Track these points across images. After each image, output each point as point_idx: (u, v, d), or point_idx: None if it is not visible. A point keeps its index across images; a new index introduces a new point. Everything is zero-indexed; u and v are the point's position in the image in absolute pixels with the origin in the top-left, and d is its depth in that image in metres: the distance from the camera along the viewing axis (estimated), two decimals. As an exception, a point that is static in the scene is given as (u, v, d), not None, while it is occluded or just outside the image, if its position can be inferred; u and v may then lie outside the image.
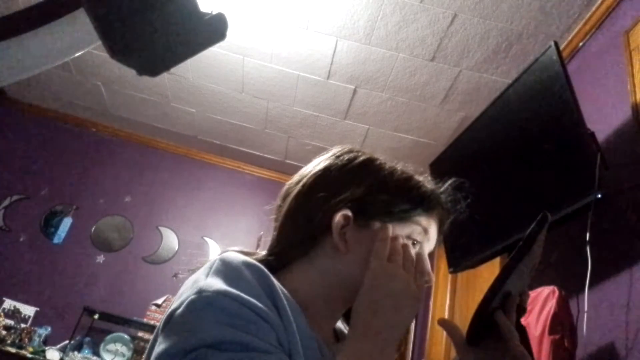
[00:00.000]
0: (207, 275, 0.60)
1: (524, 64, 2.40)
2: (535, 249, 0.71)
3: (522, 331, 0.72)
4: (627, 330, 1.46)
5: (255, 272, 0.61)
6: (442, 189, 0.78)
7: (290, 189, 0.77)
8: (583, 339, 1.48)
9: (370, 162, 0.76)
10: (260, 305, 0.56)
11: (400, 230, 0.71)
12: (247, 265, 0.61)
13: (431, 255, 0.78)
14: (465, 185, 0.80)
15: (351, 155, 0.77)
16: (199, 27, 0.48)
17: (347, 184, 0.73)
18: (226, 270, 0.60)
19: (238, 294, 0.56)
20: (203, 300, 0.55)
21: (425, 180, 0.77)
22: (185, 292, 0.59)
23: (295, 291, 0.66)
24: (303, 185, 0.75)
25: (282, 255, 0.73)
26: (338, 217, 0.71)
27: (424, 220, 0.73)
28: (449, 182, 0.79)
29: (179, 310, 0.56)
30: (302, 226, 0.73)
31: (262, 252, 0.76)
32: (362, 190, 0.73)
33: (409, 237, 0.72)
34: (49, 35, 0.56)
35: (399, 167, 0.77)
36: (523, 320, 1.63)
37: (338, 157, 0.77)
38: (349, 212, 0.71)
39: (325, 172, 0.75)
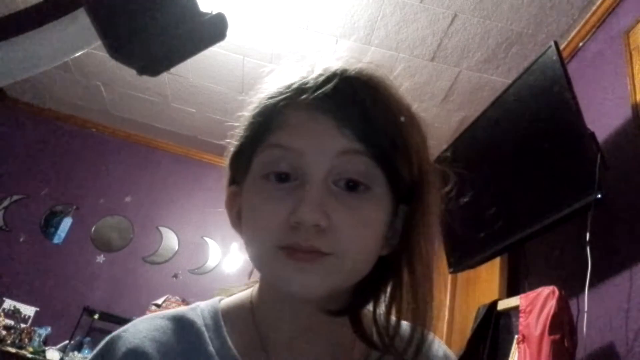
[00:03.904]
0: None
1: (524, 64, 2.40)
2: None
3: None
4: (627, 330, 1.46)
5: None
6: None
7: None
8: (583, 339, 1.48)
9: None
10: None
11: (251, 179, 0.51)
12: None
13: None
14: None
15: None
16: (199, 26, 0.48)
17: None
18: None
19: None
20: None
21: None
22: None
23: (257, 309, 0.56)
24: None
25: None
26: (226, 200, 0.57)
27: (273, 137, 0.49)
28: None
29: None
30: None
31: None
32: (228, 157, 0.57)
33: (265, 177, 0.49)
34: (48, 35, 0.56)
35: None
36: (523, 321, 1.64)
37: None
38: (233, 188, 0.56)
39: None
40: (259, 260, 0.49)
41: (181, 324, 0.54)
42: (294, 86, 0.50)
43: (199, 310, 0.57)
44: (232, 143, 0.56)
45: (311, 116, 0.48)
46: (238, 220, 0.54)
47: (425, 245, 0.50)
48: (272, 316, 0.54)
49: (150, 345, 0.52)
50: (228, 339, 0.53)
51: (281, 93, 0.50)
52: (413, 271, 0.50)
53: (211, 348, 0.52)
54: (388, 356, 0.51)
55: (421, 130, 0.52)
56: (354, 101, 0.48)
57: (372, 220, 0.48)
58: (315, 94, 0.48)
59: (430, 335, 0.52)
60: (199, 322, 0.55)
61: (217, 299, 0.59)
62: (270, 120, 0.50)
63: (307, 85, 0.48)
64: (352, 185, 0.47)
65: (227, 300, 0.59)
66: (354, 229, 0.47)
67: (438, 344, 0.58)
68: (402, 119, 0.50)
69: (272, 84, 0.52)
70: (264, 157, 0.49)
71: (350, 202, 0.47)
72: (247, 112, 0.54)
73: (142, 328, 0.54)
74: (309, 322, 0.53)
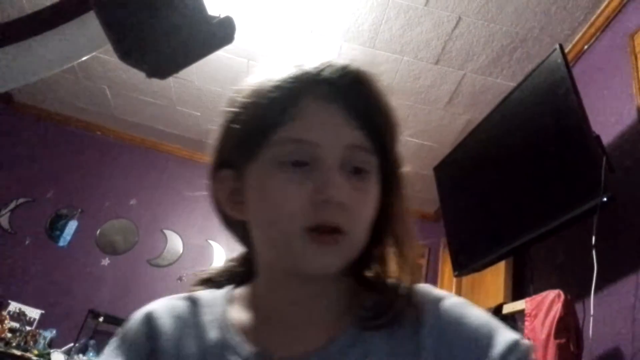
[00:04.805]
0: None
1: (528, 67, 2.40)
2: None
3: None
4: (633, 334, 1.45)
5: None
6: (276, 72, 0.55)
7: None
8: (589, 342, 1.48)
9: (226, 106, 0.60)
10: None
11: (263, 166, 0.54)
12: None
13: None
14: None
15: None
16: (207, 30, 0.48)
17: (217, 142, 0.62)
18: None
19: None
20: None
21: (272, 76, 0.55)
22: None
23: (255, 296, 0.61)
24: None
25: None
26: (215, 184, 0.61)
27: (285, 131, 0.52)
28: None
29: None
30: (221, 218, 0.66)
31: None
32: (220, 140, 0.61)
33: (281, 164, 0.52)
34: (57, 38, 0.57)
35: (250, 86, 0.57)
36: (528, 325, 1.63)
37: None
38: (226, 172, 0.59)
39: None
40: (281, 240, 0.52)
41: (192, 300, 0.61)
42: (310, 75, 0.53)
43: (212, 291, 0.63)
44: (228, 126, 0.59)
45: (325, 108, 0.53)
46: (232, 204, 0.59)
47: (406, 214, 0.58)
48: (268, 290, 0.59)
49: (164, 311, 0.58)
50: (230, 312, 0.58)
51: (296, 81, 0.53)
52: (396, 235, 0.57)
53: (210, 318, 0.58)
54: (377, 320, 0.54)
55: (398, 122, 0.59)
56: (360, 97, 0.53)
57: (372, 201, 0.54)
58: (332, 85, 0.53)
59: (420, 285, 0.57)
60: (209, 298, 0.61)
61: (231, 286, 0.64)
62: (284, 108, 0.52)
63: (324, 76, 0.53)
64: (357, 170, 0.53)
65: (240, 287, 0.64)
66: (362, 208, 0.53)
67: (429, 288, 0.60)
68: (393, 117, 0.57)
69: (274, 73, 0.55)
70: (282, 148, 0.52)
71: (357, 185, 0.53)
72: (245, 97, 0.56)
73: (160, 302, 0.60)
74: (304, 292, 0.57)
